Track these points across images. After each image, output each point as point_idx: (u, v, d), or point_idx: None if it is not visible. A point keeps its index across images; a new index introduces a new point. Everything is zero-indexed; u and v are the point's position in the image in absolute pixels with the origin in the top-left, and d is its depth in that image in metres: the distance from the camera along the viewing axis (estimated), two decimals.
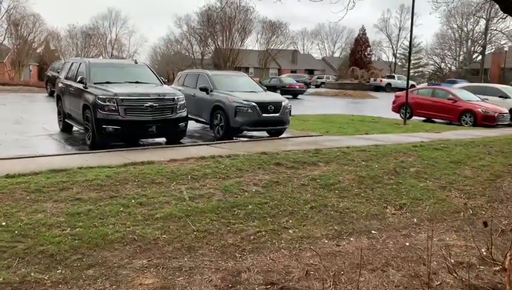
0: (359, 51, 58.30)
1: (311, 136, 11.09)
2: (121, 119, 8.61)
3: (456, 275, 3.91)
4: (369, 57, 59.76)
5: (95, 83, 9.32)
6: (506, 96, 18.70)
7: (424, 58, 68.06)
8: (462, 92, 18.27)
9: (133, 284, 3.71)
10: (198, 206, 5.35)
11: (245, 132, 10.87)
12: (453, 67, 62.43)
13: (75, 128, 10.73)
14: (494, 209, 6.27)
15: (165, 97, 9.22)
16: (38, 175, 5.94)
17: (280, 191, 6.11)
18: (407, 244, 4.88)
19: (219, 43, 51.24)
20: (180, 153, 7.75)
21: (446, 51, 63.34)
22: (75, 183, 5.70)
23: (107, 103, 8.58)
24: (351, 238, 5.02)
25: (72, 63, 11.27)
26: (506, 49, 53.05)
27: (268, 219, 5.30)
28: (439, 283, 3.88)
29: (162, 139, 10.05)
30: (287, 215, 5.46)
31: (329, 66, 76.07)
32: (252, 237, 4.81)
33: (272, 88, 23.57)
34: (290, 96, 29.84)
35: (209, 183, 6.12)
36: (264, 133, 11.32)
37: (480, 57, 56.98)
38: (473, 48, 60.60)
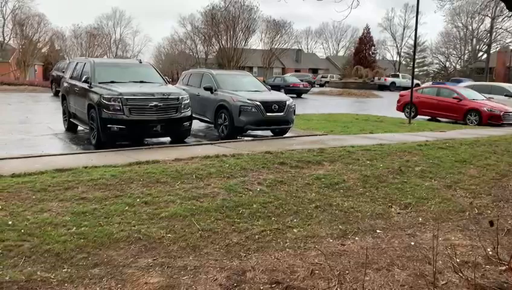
0: (363, 50, 58.13)
1: (316, 135, 11.07)
2: (125, 118, 8.64)
3: (461, 275, 3.89)
4: (373, 56, 59.56)
5: (99, 83, 9.35)
6: (511, 95, 18.60)
7: (429, 57, 67.78)
8: (467, 91, 18.18)
9: (138, 283, 3.72)
10: (203, 206, 5.36)
11: (249, 131, 10.87)
12: (458, 66, 62.12)
13: (80, 127, 10.77)
14: (500, 209, 6.24)
15: (170, 97, 9.24)
16: (43, 174, 5.98)
17: (284, 191, 6.11)
18: (413, 243, 4.87)
19: (223, 42, 51.23)
20: (184, 153, 7.76)
21: (451, 50, 63.03)
22: (81, 182, 5.72)
23: (112, 103, 8.61)
24: (356, 238, 5.01)
25: (77, 63, 11.31)
26: (511, 47, 52.75)
27: (273, 218, 5.30)
28: (444, 282, 3.87)
29: (167, 139, 10.08)
30: (291, 215, 5.46)
31: (333, 65, 75.92)
32: (256, 236, 4.81)
33: (276, 87, 23.51)
34: (294, 96, 29.82)
35: (213, 182, 6.12)
36: (269, 133, 11.32)
37: (485, 55, 56.68)
38: (478, 47, 60.29)
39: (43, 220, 4.66)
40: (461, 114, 16.77)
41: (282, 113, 10.64)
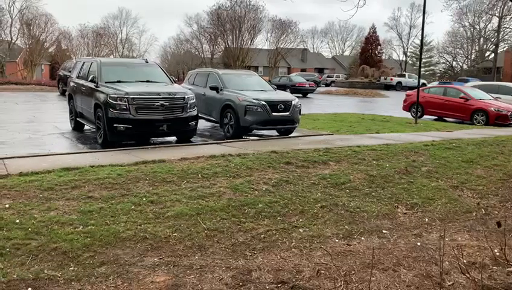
0: (369, 50, 57.95)
1: (322, 135, 11.05)
2: (132, 118, 8.66)
3: (468, 276, 3.87)
4: (379, 55, 59.35)
5: (106, 82, 9.39)
6: None
7: (436, 56, 67.43)
8: (474, 91, 18.06)
9: (145, 281, 3.74)
10: (209, 205, 5.37)
11: (255, 130, 10.87)
12: (465, 66, 61.73)
13: (86, 127, 10.82)
14: (507, 209, 6.20)
15: (176, 96, 9.25)
16: (50, 173, 6.01)
17: (290, 190, 6.10)
18: (419, 244, 4.85)
19: (229, 42, 51.25)
20: (190, 152, 7.78)
21: (458, 49, 62.64)
22: (87, 181, 5.75)
23: (119, 102, 8.64)
24: (362, 238, 5.00)
25: (84, 63, 11.36)
26: None
27: (278, 218, 5.30)
28: (451, 283, 3.85)
29: (173, 138, 10.10)
30: (297, 214, 5.45)
31: (339, 64, 75.77)
32: (262, 236, 4.82)
33: (281, 87, 23.54)
34: (300, 95, 29.78)
35: (219, 181, 6.13)
36: (274, 132, 11.31)
37: (492, 55, 56.29)
38: (485, 46, 59.87)
39: (50, 218, 4.69)
40: (468, 114, 16.66)
41: (287, 113, 10.63)
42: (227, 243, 4.61)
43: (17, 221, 4.58)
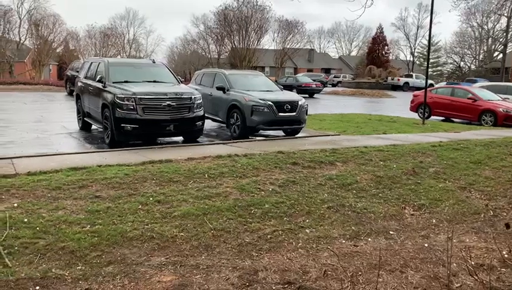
0: (376, 50, 57.74)
1: (328, 135, 11.02)
2: (139, 118, 8.70)
3: (476, 278, 3.84)
4: (386, 55, 59.12)
5: (113, 82, 9.44)
6: None
7: (443, 57, 67.02)
8: (482, 92, 17.93)
9: (151, 281, 3.75)
10: (215, 205, 5.37)
11: (261, 131, 10.87)
12: (473, 66, 61.29)
13: (94, 126, 10.88)
14: None
15: (183, 96, 9.28)
16: (58, 173, 6.05)
17: (297, 191, 6.09)
18: (426, 245, 4.82)
19: (235, 42, 51.27)
20: (197, 152, 7.79)
21: (466, 50, 62.21)
22: (95, 181, 5.78)
23: (126, 102, 8.68)
24: (369, 239, 4.98)
25: (91, 63, 11.43)
26: None
27: (285, 218, 5.29)
28: (459, 285, 3.82)
29: (179, 138, 10.13)
30: (303, 215, 5.44)
31: (346, 64, 75.56)
32: (268, 236, 4.82)
33: (288, 87, 23.51)
34: (307, 96, 29.74)
35: (226, 182, 6.14)
36: (281, 133, 11.30)
37: (501, 55, 55.80)
38: (493, 47, 59.39)
39: (58, 218, 4.72)
40: (476, 115, 16.55)
41: (294, 113, 10.62)
42: (234, 243, 4.61)
43: (26, 220, 4.61)
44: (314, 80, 37.02)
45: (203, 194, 5.63)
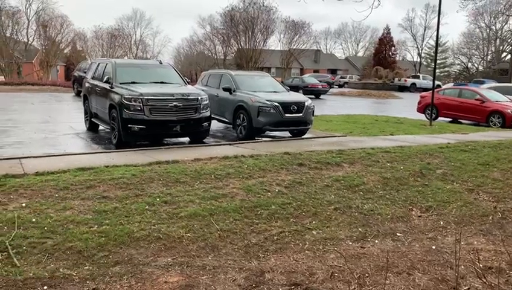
0: (383, 51, 57.54)
1: (335, 136, 11.00)
2: (146, 118, 8.73)
3: (485, 280, 3.81)
4: (393, 56, 58.90)
5: (121, 83, 9.48)
6: None
7: (450, 57, 66.59)
8: (490, 93, 17.80)
9: (158, 281, 3.75)
10: (222, 206, 5.38)
11: (267, 132, 10.87)
12: (481, 67, 60.85)
13: (101, 127, 10.93)
14: None
15: (189, 97, 9.30)
16: (66, 173, 6.09)
17: (303, 192, 6.08)
18: (434, 247, 4.79)
19: (242, 43, 51.33)
20: (203, 153, 7.81)
21: (473, 51, 61.78)
22: (102, 181, 5.80)
23: (133, 103, 8.72)
24: (376, 241, 4.95)
25: (99, 64, 11.49)
26: None
27: (291, 220, 5.28)
28: (467, 287, 3.79)
29: (186, 139, 10.15)
30: (310, 216, 5.43)
31: (352, 65, 75.37)
32: (275, 237, 4.81)
33: (294, 88, 23.48)
34: (313, 97, 29.68)
35: (232, 182, 6.14)
36: (287, 134, 11.29)
37: (509, 56, 55.38)
38: (501, 47, 58.96)
39: (66, 218, 4.75)
40: (484, 116, 16.43)
41: (300, 114, 10.60)
42: (240, 244, 4.61)
43: (34, 220, 4.65)
44: (320, 81, 36.94)
45: (209, 195, 5.63)
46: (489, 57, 60.64)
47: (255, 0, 48.55)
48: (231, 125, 11.46)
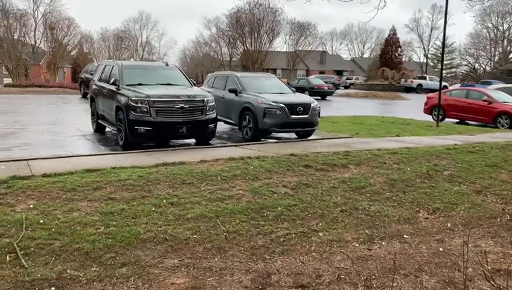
0: (389, 52, 57.31)
1: (341, 138, 10.97)
2: (152, 120, 8.76)
3: (493, 283, 3.78)
4: (399, 57, 58.64)
5: (127, 85, 9.52)
6: None
7: (457, 58, 66.29)
8: (497, 93, 17.68)
9: (165, 283, 3.76)
10: (228, 207, 5.38)
11: (273, 133, 10.86)
12: (488, 68, 60.51)
13: (108, 129, 10.99)
14: None
15: (195, 99, 9.32)
16: (73, 174, 6.11)
17: (309, 194, 6.07)
18: (441, 249, 4.76)
19: (247, 44, 51.34)
20: (209, 154, 7.82)
21: (480, 51, 61.45)
22: (109, 183, 5.83)
23: (139, 105, 8.75)
24: (383, 243, 4.93)
25: (105, 66, 11.54)
26: None
27: (297, 221, 5.27)
28: None
29: (192, 140, 10.17)
30: (316, 218, 5.42)
31: (358, 66, 75.19)
32: (281, 239, 4.80)
33: (300, 89, 23.46)
34: (319, 98, 29.60)
35: (238, 184, 6.14)
36: (293, 135, 11.28)
37: None
38: (509, 48, 58.58)
39: (73, 219, 4.77)
40: (491, 117, 16.32)
41: (306, 116, 10.58)
42: (247, 245, 4.61)
43: (41, 221, 4.67)
44: (326, 82, 36.85)
45: (215, 197, 5.64)
46: (496, 58, 60.30)
47: (261, 1, 48.60)
48: (237, 127, 11.47)
